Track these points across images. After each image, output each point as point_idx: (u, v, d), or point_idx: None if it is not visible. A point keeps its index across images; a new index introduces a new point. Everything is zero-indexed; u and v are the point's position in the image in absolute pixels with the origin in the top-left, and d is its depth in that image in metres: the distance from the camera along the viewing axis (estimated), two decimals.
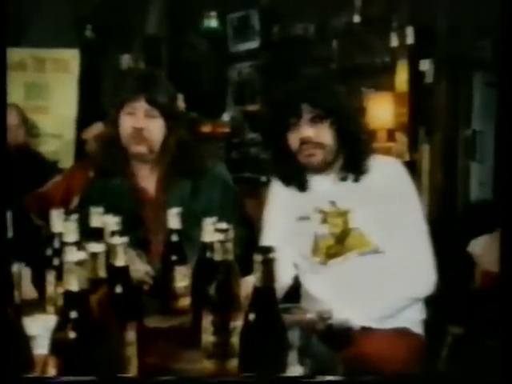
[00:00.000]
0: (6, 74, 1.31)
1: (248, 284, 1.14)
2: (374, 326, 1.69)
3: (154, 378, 1.11)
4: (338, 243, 1.79)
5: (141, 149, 2.02)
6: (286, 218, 1.86)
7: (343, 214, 1.79)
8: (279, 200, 1.90)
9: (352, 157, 1.79)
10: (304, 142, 1.76)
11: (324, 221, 1.80)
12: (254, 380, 1.03)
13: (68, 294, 0.98)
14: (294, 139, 1.78)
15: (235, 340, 1.17)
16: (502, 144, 1.26)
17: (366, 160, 1.80)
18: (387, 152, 3.86)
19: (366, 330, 1.67)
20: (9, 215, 1.49)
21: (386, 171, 1.81)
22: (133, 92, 2.03)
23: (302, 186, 1.85)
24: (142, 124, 2.00)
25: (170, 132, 2.05)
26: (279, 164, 1.88)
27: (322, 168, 1.81)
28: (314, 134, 1.76)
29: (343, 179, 1.81)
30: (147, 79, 2.09)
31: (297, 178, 1.85)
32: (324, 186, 1.83)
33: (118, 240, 1.20)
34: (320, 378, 1.12)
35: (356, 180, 1.80)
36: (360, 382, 1.15)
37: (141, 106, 2.00)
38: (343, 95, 1.91)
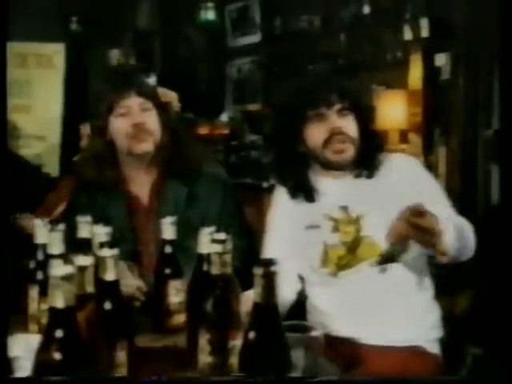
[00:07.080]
0: (6, 72, 1.31)
1: (248, 299, 1.14)
2: (385, 343, 1.70)
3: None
4: (350, 253, 1.80)
5: (146, 146, 2.01)
6: (293, 227, 1.86)
7: (355, 221, 1.80)
8: (284, 207, 1.91)
9: (366, 151, 1.83)
10: (334, 133, 1.79)
11: (335, 229, 1.81)
12: (254, 380, 1.03)
13: (53, 311, 0.98)
14: (319, 132, 1.81)
15: (234, 360, 1.18)
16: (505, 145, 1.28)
17: (379, 154, 1.85)
18: None
19: (376, 347, 1.68)
20: None
21: (400, 168, 1.85)
22: (122, 90, 2.04)
23: (311, 197, 1.87)
24: (141, 119, 2.01)
25: (164, 126, 2.06)
26: (287, 168, 1.89)
27: (347, 167, 1.84)
28: (343, 125, 1.80)
29: (357, 176, 1.84)
30: (131, 73, 2.11)
31: (306, 187, 1.87)
32: (335, 191, 1.85)
33: (107, 252, 1.20)
34: (320, 378, 1.13)
35: (370, 176, 1.83)
36: (360, 381, 1.16)
37: (134, 101, 2.02)
38: (362, 89, 1.95)
